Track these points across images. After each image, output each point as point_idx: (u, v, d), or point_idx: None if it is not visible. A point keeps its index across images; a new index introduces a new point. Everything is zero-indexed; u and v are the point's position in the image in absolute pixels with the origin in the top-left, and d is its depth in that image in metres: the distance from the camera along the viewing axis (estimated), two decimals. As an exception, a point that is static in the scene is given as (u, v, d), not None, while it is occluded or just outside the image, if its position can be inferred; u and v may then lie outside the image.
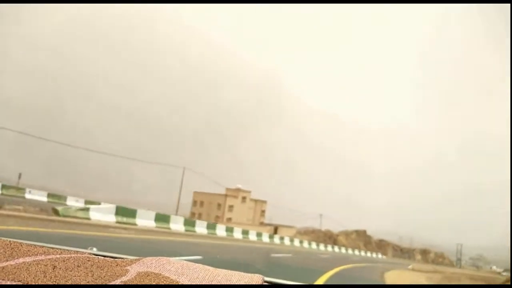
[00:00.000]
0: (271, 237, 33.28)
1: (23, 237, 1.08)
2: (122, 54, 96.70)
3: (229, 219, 55.27)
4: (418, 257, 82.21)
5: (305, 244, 39.57)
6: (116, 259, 0.87)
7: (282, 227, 58.65)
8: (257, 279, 0.79)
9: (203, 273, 0.78)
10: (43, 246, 0.91)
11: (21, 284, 0.70)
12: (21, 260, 0.78)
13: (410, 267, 32.36)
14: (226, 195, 56.77)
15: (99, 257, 0.87)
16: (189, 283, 0.75)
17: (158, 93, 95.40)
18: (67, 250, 0.92)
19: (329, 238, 60.95)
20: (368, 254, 56.06)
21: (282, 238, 35.89)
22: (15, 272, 0.72)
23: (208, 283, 0.75)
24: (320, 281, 8.01)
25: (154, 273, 0.77)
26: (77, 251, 0.93)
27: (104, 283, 0.73)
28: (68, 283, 0.72)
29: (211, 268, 0.82)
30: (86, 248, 1.14)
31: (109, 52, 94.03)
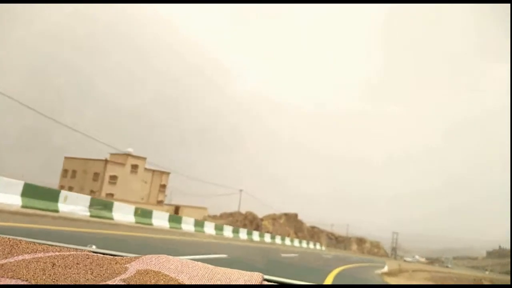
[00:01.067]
0: (177, 221, 22.29)
1: (22, 235, 1.08)
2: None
3: (110, 195, 38.81)
4: (354, 246, 72.42)
5: (210, 229, 25.99)
6: (116, 257, 0.85)
7: (189, 208, 43.48)
8: (256, 277, 0.78)
9: (202, 271, 0.77)
10: (42, 244, 0.90)
11: (20, 281, 0.69)
12: (20, 257, 0.78)
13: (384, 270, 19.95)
14: (106, 161, 40.03)
15: (99, 254, 0.85)
16: (189, 281, 0.74)
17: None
18: (66, 247, 0.91)
19: (251, 222, 47.15)
20: (303, 244, 43.44)
21: (179, 222, 22.96)
22: (14, 270, 0.72)
23: (207, 281, 0.74)
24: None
25: (153, 271, 0.76)
26: (77, 249, 0.91)
27: (103, 281, 0.72)
28: (67, 281, 0.71)
29: (210, 266, 0.80)
30: (85, 245, 1.12)
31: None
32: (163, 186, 44.21)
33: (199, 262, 0.82)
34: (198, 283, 0.73)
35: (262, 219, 50.81)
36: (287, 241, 38.34)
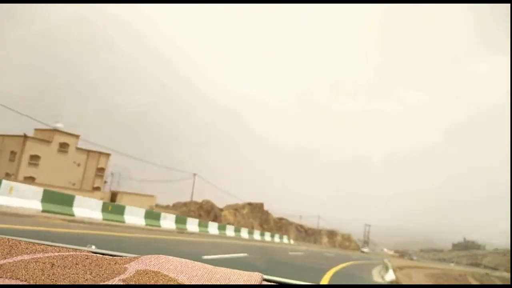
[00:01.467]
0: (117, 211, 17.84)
1: (21, 235, 1.08)
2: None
3: (30, 178, 31.23)
4: (325, 240, 67.75)
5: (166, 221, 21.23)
6: (115, 257, 0.85)
7: (131, 195, 36.52)
8: (256, 277, 0.78)
9: (201, 271, 0.77)
10: (41, 244, 0.90)
11: (19, 281, 0.69)
12: (19, 258, 0.77)
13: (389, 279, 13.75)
14: (25, 138, 32.30)
15: (98, 255, 0.85)
16: (188, 281, 0.74)
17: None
18: (65, 248, 0.91)
19: (208, 212, 40.73)
20: (267, 237, 37.71)
21: (120, 213, 17.95)
22: (13, 270, 0.72)
23: (207, 281, 0.74)
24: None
25: (152, 271, 0.76)
26: (76, 249, 0.91)
27: (102, 281, 0.72)
28: (66, 281, 0.71)
29: (210, 266, 0.80)
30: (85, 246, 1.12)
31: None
32: (101, 170, 36.87)
33: (198, 263, 0.81)
34: (198, 283, 0.73)
35: (222, 209, 44.61)
36: (244, 234, 32.28)
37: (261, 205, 52.05)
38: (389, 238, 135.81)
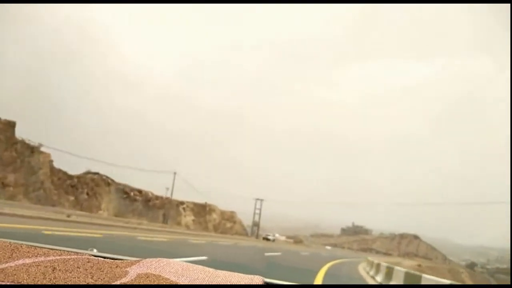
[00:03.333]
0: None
1: (22, 238, 1.07)
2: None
3: None
4: (188, 218, 44.80)
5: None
6: (116, 261, 0.86)
7: None
8: (257, 280, 0.80)
9: (203, 275, 0.78)
10: (43, 247, 0.90)
11: (20, 285, 0.70)
12: (20, 261, 0.78)
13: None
14: None
15: (99, 258, 0.86)
16: (189, 285, 0.75)
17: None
18: (67, 251, 0.91)
19: None
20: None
21: None
22: (15, 274, 0.72)
23: (208, 284, 0.76)
24: None
25: (154, 274, 0.77)
26: (77, 253, 0.92)
27: (103, 285, 0.74)
28: (67, 285, 0.72)
29: (211, 270, 0.82)
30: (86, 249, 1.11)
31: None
32: None
33: (199, 266, 0.83)
34: (199, 285, 0.74)
35: None
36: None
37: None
38: (277, 224, 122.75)
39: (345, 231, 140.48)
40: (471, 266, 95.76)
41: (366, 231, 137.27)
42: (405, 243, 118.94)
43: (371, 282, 13.66)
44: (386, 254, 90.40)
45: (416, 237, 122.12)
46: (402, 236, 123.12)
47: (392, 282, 11.50)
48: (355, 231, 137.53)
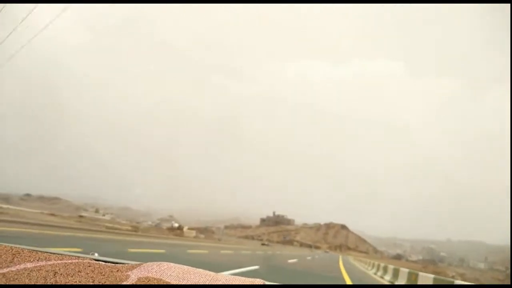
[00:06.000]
0: None
1: (24, 243, 1.06)
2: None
3: None
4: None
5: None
6: (117, 265, 0.87)
7: None
8: (258, 283, 0.81)
9: (204, 278, 0.79)
10: (44, 252, 0.91)
11: None
12: (22, 266, 0.78)
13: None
14: None
15: (100, 262, 0.87)
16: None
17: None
18: (68, 255, 0.92)
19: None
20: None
21: None
22: (16, 278, 0.72)
23: None
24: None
25: (155, 278, 0.77)
26: (78, 257, 0.92)
27: None
28: None
29: (212, 273, 0.82)
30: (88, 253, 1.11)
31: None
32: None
33: (200, 269, 0.83)
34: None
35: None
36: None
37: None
38: (190, 217, 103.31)
39: (264, 222, 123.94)
40: (398, 257, 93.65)
41: (288, 221, 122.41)
42: (332, 234, 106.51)
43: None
44: (314, 247, 75.01)
45: (343, 226, 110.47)
46: (329, 226, 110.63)
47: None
48: (276, 221, 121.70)
